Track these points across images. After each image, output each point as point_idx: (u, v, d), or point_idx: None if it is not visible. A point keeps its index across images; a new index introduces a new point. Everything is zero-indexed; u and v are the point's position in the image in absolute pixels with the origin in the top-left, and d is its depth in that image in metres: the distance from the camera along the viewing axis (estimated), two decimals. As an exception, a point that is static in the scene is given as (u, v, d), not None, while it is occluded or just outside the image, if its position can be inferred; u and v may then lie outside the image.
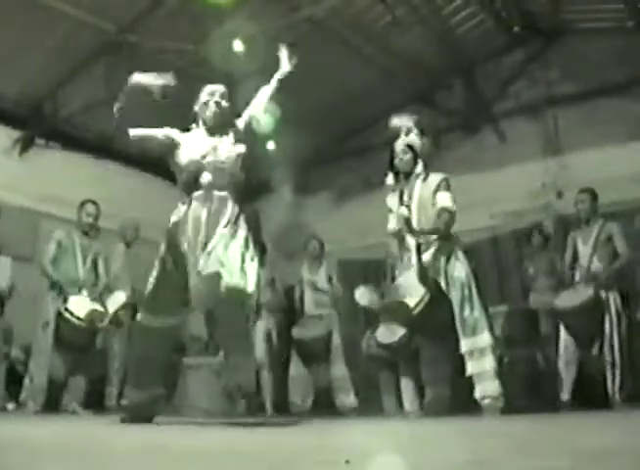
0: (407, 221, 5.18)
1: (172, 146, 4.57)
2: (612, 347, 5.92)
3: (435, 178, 5.30)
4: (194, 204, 4.45)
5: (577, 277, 6.34)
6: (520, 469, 1.74)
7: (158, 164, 9.50)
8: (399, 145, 5.42)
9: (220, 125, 4.56)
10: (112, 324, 6.73)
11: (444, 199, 5.19)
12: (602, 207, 7.72)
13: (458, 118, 9.36)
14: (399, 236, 5.39)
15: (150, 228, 8.05)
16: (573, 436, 3.01)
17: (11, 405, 6.52)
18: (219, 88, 4.66)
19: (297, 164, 10.01)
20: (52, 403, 6.37)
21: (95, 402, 6.90)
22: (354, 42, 8.39)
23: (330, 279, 7.59)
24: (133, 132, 4.57)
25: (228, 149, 4.47)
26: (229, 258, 4.08)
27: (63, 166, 8.54)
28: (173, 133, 4.65)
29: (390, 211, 5.47)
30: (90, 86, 7.91)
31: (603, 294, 6.04)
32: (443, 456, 2.11)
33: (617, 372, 5.88)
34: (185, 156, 4.48)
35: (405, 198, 5.33)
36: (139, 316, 4.48)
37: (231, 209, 4.36)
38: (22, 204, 7.79)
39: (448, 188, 5.25)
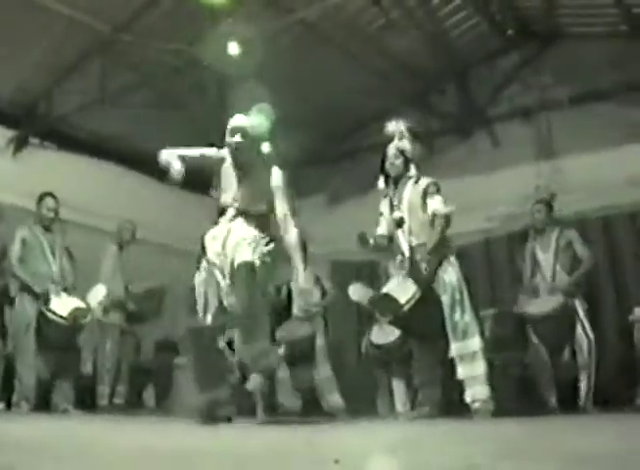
0: (401, 221, 5.26)
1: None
2: (582, 352, 6.04)
3: (423, 183, 5.31)
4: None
5: (541, 285, 6.45)
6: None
7: (152, 164, 9.56)
8: (391, 149, 5.45)
9: (244, 161, 4.78)
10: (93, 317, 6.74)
11: (435, 203, 5.20)
12: (594, 210, 7.79)
13: (451, 122, 9.37)
14: (391, 239, 5.41)
15: (144, 229, 8.06)
16: (563, 439, 3.02)
17: (1, 405, 6.50)
18: (238, 125, 4.77)
19: (290, 166, 10.01)
20: (43, 403, 6.36)
21: (87, 402, 6.91)
22: (348, 45, 8.39)
23: (318, 279, 7.58)
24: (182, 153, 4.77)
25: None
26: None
27: (57, 166, 8.52)
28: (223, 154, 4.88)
29: (382, 214, 5.49)
30: (85, 86, 7.90)
31: (570, 301, 6.14)
32: (433, 459, 2.12)
33: (592, 377, 5.98)
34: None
35: (395, 202, 5.36)
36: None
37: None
38: (16, 203, 7.77)
39: (437, 192, 5.26)
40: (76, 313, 6.34)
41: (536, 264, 6.52)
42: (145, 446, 2.67)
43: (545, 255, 6.47)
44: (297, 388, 7.23)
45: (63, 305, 6.34)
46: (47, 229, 6.67)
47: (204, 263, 4.59)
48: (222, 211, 4.71)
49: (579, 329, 6.10)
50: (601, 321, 7.19)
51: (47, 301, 6.29)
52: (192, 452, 2.39)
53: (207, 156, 4.88)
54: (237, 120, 4.77)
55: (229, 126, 4.76)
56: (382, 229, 5.48)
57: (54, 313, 6.24)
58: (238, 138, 4.70)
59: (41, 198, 6.69)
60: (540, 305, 6.21)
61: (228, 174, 4.78)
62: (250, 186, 4.70)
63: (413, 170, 5.40)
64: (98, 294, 6.81)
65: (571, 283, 6.25)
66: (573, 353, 6.14)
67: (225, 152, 4.84)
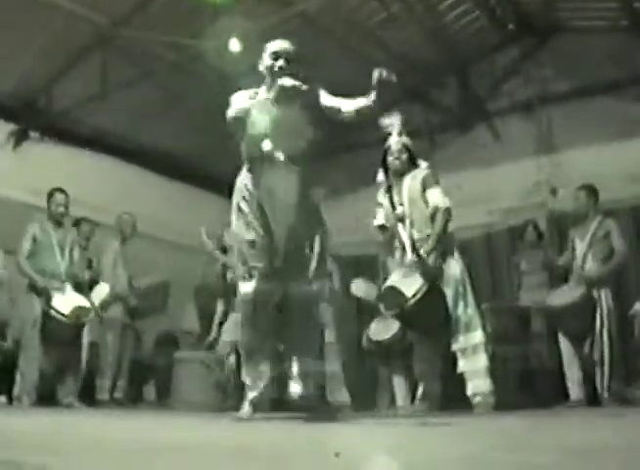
0: (401, 220, 5.23)
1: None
2: (601, 344, 5.95)
3: (421, 174, 5.29)
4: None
5: (571, 275, 6.35)
6: (509, 465, 1.76)
7: (152, 158, 9.58)
8: (396, 144, 5.39)
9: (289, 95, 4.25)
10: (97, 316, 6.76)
11: (435, 196, 5.17)
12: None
13: (452, 116, 9.36)
14: (390, 233, 5.39)
15: (145, 223, 8.07)
16: (564, 433, 3.03)
17: (2, 398, 6.51)
18: (284, 48, 4.31)
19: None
20: (46, 398, 6.37)
21: (87, 396, 6.92)
22: (348, 38, 8.37)
23: (330, 275, 7.59)
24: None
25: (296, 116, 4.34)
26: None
27: (57, 160, 8.51)
28: (245, 102, 4.33)
29: (380, 205, 5.46)
30: (84, 80, 7.89)
31: (595, 291, 6.07)
32: (434, 452, 2.13)
33: (606, 370, 5.90)
34: (251, 124, 4.25)
35: (396, 197, 5.33)
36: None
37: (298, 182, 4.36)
38: (16, 197, 7.78)
39: (436, 182, 5.24)
40: (79, 312, 6.34)
41: (572, 253, 6.41)
42: (145, 441, 2.67)
43: (581, 243, 6.34)
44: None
45: (65, 302, 6.33)
46: (58, 225, 6.68)
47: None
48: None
49: (598, 323, 5.99)
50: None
51: (49, 298, 6.28)
52: (192, 446, 2.40)
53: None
54: (280, 44, 4.30)
55: (270, 50, 4.29)
56: (380, 220, 5.44)
57: (56, 311, 6.24)
58: (282, 63, 4.25)
59: (51, 194, 6.70)
60: (563, 296, 6.14)
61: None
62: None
63: (424, 164, 5.38)
64: (101, 292, 6.81)
65: (599, 273, 6.14)
66: (592, 346, 6.01)
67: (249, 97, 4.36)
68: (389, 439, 2.84)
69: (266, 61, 4.30)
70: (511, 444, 2.38)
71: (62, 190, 6.73)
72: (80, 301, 6.44)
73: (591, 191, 6.47)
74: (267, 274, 4.25)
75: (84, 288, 6.76)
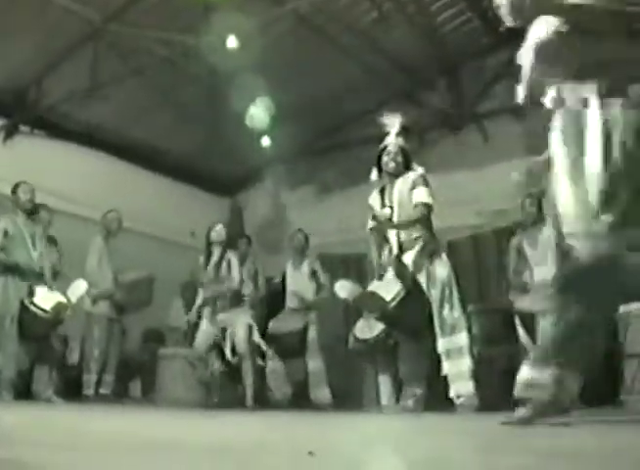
0: (389, 220, 5.26)
1: None
2: None
3: (413, 175, 5.34)
4: None
5: (529, 281, 6.36)
6: (483, 466, 1.77)
7: (141, 153, 9.56)
8: (393, 146, 5.43)
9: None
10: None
11: (420, 194, 5.23)
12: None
13: (442, 117, 9.38)
14: (381, 234, 5.42)
15: (133, 218, 8.06)
16: (541, 435, 3.05)
17: None
18: None
19: (280, 159, 10.01)
20: (24, 393, 6.35)
21: (73, 391, 6.91)
22: (340, 38, 8.38)
23: (314, 273, 7.59)
24: None
25: None
26: None
27: (46, 155, 8.50)
28: None
29: (372, 209, 5.49)
30: (75, 75, 7.89)
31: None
32: (409, 452, 2.14)
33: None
34: None
35: (387, 198, 5.37)
36: None
37: None
38: (5, 191, 7.74)
39: (425, 184, 5.29)
40: (59, 308, 6.34)
41: (523, 260, 6.48)
42: (129, 437, 2.68)
43: (534, 251, 6.40)
44: (288, 380, 7.26)
45: (46, 298, 6.32)
46: (28, 218, 6.67)
47: None
48: None
49: None
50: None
51: (31, 293, 6.28)
52: (168, 442, 2.40)
53: None
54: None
55: None
56: (372, 224, 5.47)
57: (37, 307, 6.22)
58: None
59: (17, 185, 6.69)
60: (532, 303, 6.14)
61: None
62: None
63: (420, 169, 5.42)
64: (78, 289, 6.73)
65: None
66: None
67: None
68: (367, 438, 2.85)
69: None
70: (489, 445, 2.39)
71: (26, 183, 6.70)
72: (60, 297, 6.45)
73: (539, 198, 6.50)
74: None
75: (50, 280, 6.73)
